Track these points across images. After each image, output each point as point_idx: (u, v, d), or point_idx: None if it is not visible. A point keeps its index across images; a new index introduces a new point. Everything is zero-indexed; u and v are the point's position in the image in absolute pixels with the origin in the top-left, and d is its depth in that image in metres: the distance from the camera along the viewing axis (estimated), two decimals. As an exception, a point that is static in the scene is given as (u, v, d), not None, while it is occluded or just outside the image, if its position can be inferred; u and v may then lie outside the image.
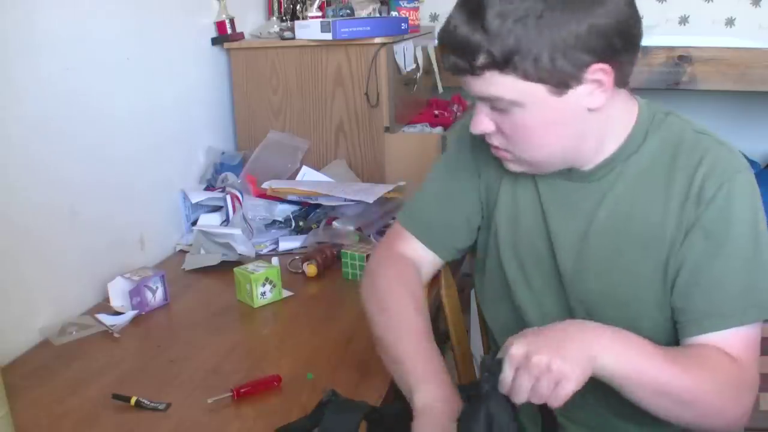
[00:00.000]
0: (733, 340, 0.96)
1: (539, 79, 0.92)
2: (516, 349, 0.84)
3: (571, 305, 1.10)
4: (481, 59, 0.91)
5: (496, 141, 1.02)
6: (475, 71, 0.92)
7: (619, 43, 0.93)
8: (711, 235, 0.97)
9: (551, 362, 0.82)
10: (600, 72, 0.93)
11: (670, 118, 1.06)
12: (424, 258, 1.20)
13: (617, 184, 1.04)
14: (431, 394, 0.96)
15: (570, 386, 0.83)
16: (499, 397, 0.85)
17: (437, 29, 2.62)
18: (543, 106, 0.94)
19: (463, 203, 1.19)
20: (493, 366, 0.86)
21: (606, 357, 0.86)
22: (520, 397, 0.84)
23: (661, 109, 1.07)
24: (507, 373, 0.84)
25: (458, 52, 0.92)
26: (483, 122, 0.99)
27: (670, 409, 0.92)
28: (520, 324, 1.16)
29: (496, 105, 0.96)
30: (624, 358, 0.87)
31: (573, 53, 0.90)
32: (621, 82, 0.98)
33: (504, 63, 0.90)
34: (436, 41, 1.00)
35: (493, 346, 1.28)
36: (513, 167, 1.06)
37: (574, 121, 0.98)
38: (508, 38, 0.88)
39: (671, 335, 1.04)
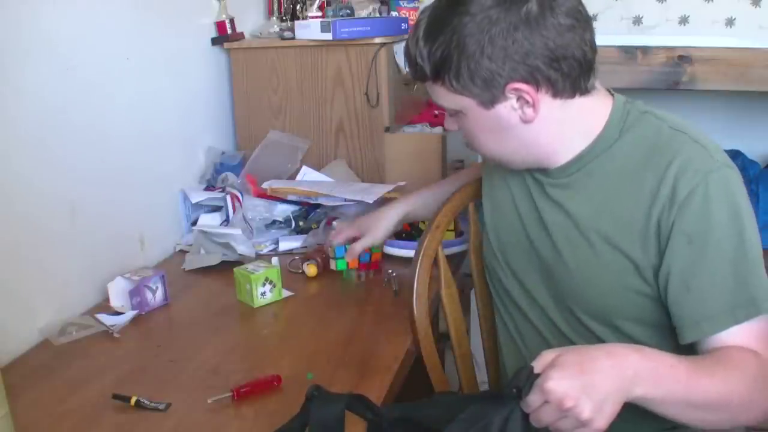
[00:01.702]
0: (745, 336, 0.96)
1: (464, 93, 1.02)
2: (554, 385, 0.80)
3: (546, 296, 1.14)
4: (417, 71, 1.05)
5: (464, 139, 1.14)
6: (422, 79, 1.06)
7: (544, 66, 0.98)
8: (693, 240, 0.98)
9: (582, 411, 0.80)
10: (517, 91, 1.00)
11: (645, 116, 1.07)
12: None
13: (589, 182, 1.07)
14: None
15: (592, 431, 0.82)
16: (520, 412, 0.85)
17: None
18: (476, 116, 1.04)
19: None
20: (522, 381, 0.83)
21: (637, 389, 0.85)
22: (539, 424, 0.83)
23: (639, 108, 1.08)
24: (534, 400, 0.82)
25: (406, 61, 1.08)
26: (449, 122, 1.12)
27: (704, 418, 0.92)
28: (522, 320, 1.21)
29: (446, 110, 1.09)
30: (653, 386, 0.86)
31: (487, 74, 0.99)
32: (566, 93, 1.02)
33: (434, 76, 1.03)
34: None
35: (479, 357, 1.30)
36: (486, 159, 1.20)
37: (511, 131, 1.05)
38: (434, 55, 1.01)
39: (648, 332, 1.05)
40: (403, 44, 2.13)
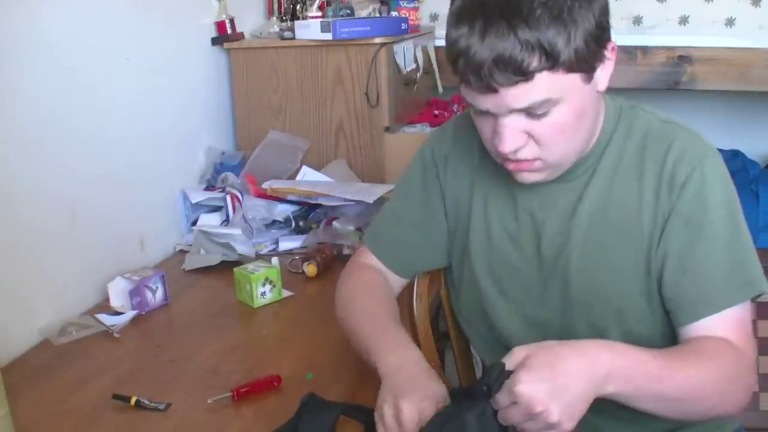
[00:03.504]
0: (727, 323, 0.97)
1: (578, 69, 0.91)
2: (522, 389, 0.81)
3: (553, 309, 1.09)
4: (535, 62, 0.88)
5: (526, 153, 0.97)
6: (529, 77, 0.89)
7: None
8: (690, 222, 0.99)
9: (550, 416, 0.81)
10: (612, 50, 0.96)
11: (635, 110, 1.07)
12: (388, 273, 1.23)
13: (593, 181, 1.05)
14: (395, 359, 1.00)
15: None
16: (491, 410, 0.85)
17: (437, 29, 2.62)
18: (578, 97, 0.94)
19: (426, 225, 1.19)
20: (492, 379, 0.84)
21: (608, 387, 0.86)
22: (506, 423, 0.84)
23: (626, 103, 1.08)
24: (503, 400, 0.83)
25: (504, 63, 0.88)
26: (516, 138, 0.95)
27: (679, 411, 0.94)
28: (497, 337, 1.16)
29: (535, 111, 0.92)
30: (625, 383, 0.87)
31: (597, 34, 0.91)
32: None
33: (555, 59, 0.88)
34: (453, 58, 0.93)
35: (479, 357, 1.27)
36: (531, 177, 1.01)
37: (593, 107, 0.99)
38: (554, 34, 0.87)
39: (657, 325, 1.05)
40: (402, 44, 2.16)
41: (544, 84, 0.90)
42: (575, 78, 0.92)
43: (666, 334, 1.04)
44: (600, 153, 1.05)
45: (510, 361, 0.85)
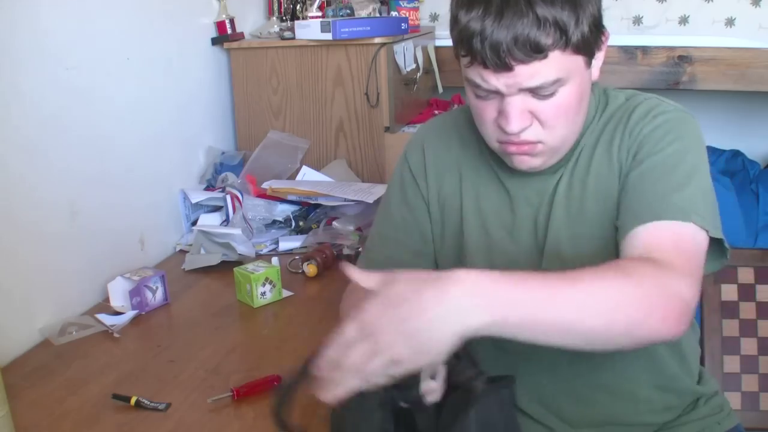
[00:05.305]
0: (656, 235, 0.92)
1: (583, 51, 0.95)
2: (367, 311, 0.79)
3: None
4: (551, 39, 0.90)
5: (529, 134, 0.98)
6: (544, 54, 0.91)
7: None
8: (637, 155, 1.01)
9: (393, 351, 0.77)
10: (606, 39, 1.00)
11: (607, 93, 1.10)
12: None
13: (579, 161, 1.07)
14: None
15: (400, 370, 0.78)
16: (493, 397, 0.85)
17: (437, 29, 2.63)
18: (581, 80, 0.97)
19: (412, 242, 1.18)
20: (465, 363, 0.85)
21: (475, 317, 0.76)
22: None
23: (598, 87, 1.10)
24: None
25: (523, 40, 0.90)
26: (522, 117, 0.96)
27: (591, 337, 0.80)
28: (495, 340, 1.15)
29: (542, 91, 0.94)
30: (502, 307, 0.77)
31: (598, 20, 0.96)
32: None
33: (567, 38, 0.91)
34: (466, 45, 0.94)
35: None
36: (530, 162, 1.02)
37: (589, 95, 1.03)
38: (567, 14, 0.91)
39: None
40: (402, 44, 2.16)
41: (556, 63, 0.92)
42: (580, 60, 0.96)
43: None
44: (581, 137, 1.07)
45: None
